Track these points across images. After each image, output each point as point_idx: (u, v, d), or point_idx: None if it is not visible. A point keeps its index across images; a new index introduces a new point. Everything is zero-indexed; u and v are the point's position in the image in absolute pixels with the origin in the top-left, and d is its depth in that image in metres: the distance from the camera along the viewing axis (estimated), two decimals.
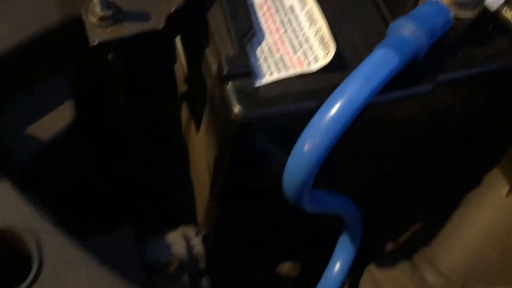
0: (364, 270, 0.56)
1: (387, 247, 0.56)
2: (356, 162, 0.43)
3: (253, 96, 0.33)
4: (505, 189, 0.48)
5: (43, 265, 0.29)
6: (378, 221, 0.54)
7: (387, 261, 0.54)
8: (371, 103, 0.34)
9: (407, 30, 0.33)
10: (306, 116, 0.34)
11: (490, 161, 0.50)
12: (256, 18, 0.36)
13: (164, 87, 0.46)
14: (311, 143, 0.34)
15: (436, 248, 0.51)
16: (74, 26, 0.37)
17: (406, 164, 0.47)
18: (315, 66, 0.35)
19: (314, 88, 0.34)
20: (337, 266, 0.52)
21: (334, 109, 0.33)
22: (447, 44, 0.37)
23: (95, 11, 0.36)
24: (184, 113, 0.49)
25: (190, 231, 0.44)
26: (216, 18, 0.35)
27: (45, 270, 0.29)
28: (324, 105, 0.33)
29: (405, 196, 0.53)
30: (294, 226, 0.53)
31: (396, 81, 0.35)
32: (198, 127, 0.46)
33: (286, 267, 0.64)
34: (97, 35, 0.36)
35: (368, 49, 0.35)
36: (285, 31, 0.36)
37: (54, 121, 0.38)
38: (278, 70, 0.35)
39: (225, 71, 0.33)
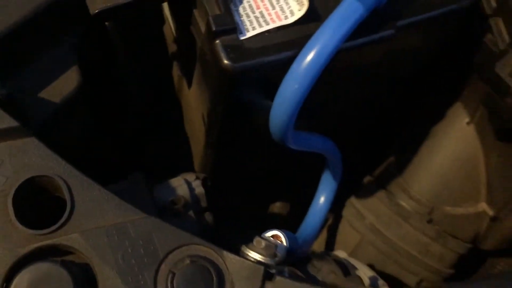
0: (346, 202, 0.63)
1: (365, 180, 0.62)
2: (333, 105, 0.48)
3: (239, 49, 0.38)
4: (466, 119, 0.55)
5: (74, 204, 0.34)
6: (356, 157, 0.60)
7: (366, 192, 0.60)
8: (341, 49, 0.39)
9: None
10: (287, 63, 0.39)
11: (452, 96, 0.56)
12: None
13: (156, 48, 0.50)
14: (291, 86, 0.39)
15: (408, 177, 0.58)
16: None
17: (378, 105, 0.53)
18: (292, 19, 0.39)
19: (292, 38, 0.39)
20: (321, 199, 0.58)
21: (309, 56, 0.38)
22: None
23: None
24: (175, 72, 0.53)
25: (191, 175, 0.49)
26: None
27: (77, 208, 0.34)
28: (301, 52, 0.39)
29: (378, 133, 0.59)
30: (282, 167, 0.59)
31: (362, 28, 0.40)
32: (189, 83, 0.51)
33: (277, 206, 0.71)
34: (95, 4, 0.40)
35: (337, 1, 0.40)
36: None
37: (63, 86, 0.42)
38: (260, 24, 0.40)
39: (213, 28, 0.38)
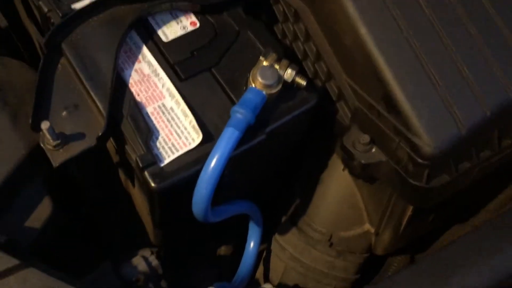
0: (272, 239, 0.81)
1: (283, 220, 0.81)
2: (240, 183, 0.66)
3: (161, 174, 0.56)
4: (341, 166, 0.74)
5: None
6: (271, 206, 0.78)
7: (284, 229, 0.79)
8: (233, 156, 0.57)
9: (239, 114, 0.56)
10: (196, 175, 0.56)
11: (330, 150, 0.75)
12: (151, 121, 0.58)
13: (104, 163, 0.67)
14: (202, 189, 0.56)
15: (310, 214, 0.77)
16: (38, 151, 0.58)
17: (274, 173, 0.71)
18: (194, 144, 0.57)
19: (196, 157, 0.57)
20: (251, 244, 0.76)
21: (210, 167, 0.56)
22: (270, 106, 0.60)
23: (49, 141, 0.57)
24: (122, 174, 0.70)
25: (147, 251, 0.66)
26: (127, 129, 0.57)
27: None
28: (204, 166, 0.56)
29: (283, 186, 0.77)
30: (218, 228, 0.76)
31: (243, 139, 0.58)
32: (133, 183, 0.67)
33: (222, 250, 0.89)
34: (55, 157, 0.56)
35: (223, 122, 0.58)
36: (171, 125, 0.58)
37: (41, 214, 0.58)
38: (172, 152, 0.57)
39: (140, 165, 0.55)
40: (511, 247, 0.45)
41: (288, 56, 0.64)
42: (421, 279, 0.44)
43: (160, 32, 0.63)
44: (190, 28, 0.64)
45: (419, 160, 0.57)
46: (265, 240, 0.81)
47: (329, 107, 0.67)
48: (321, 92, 0.66)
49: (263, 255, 0.84)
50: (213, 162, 0.55)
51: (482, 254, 0.46)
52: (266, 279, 0.83)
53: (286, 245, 0.78)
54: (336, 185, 0.75)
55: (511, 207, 0.51)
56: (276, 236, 0.80)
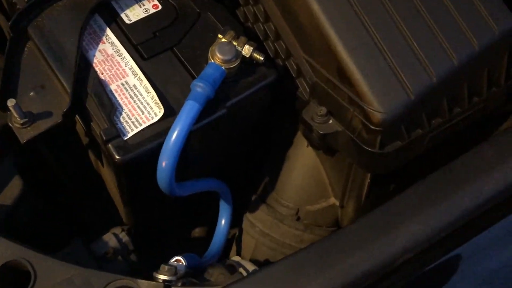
0: (243, 217, 0.83)
1: (252, 198, 0.83)
2: (207, 160, 0.69)
3: (124, 147, 0.58)
4: (305, 143, 0.77)
5: (36, 274, 0.53)
6: (242, 185, 0.80)
7: (253, 207, 0.81)
8: (195, 129, 0.60)
9: (199, 88, 0.59)
10: (159, 148, 0.59)
11: (294, 128, 0.77)
12: (115, 97, 0.60)
13: (75, 145, 0.69)
14: (164, 159, 0.59)
15: (278, 190, 0.79)
16: (7, 130, 0.60)
17: (240, 150, 0.74)
18: (156, 118, 0.60)
19: (158, 131, 0.60)
20: (222, 221, 0.78)
21: (172, 138, 0.58)
22: (228, 81, 0.63)
23: (16, 119, 0.59)
24: (92, 156, 0.72)
25: (118, 229, 0.68)
26: (92, 106, 0.59)
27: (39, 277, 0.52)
28: (166, 138, 0.59)
29: (251, 164, 0.80)
30: (188, 207, 0.79)
31: (204, 113, 0.60)
32: (102, 163, 0.70)
33: (196, 231, 0.91)
34: (23, 134, 0.58)
35: (185, 98, 0.60)
36: (134, 101, 0.61)
37: (12, 191, 0.60)
38: (135, 126, 0.60)
39: (104, 138, 0.57)
40: (456, 195, 0.48)
41: (250, 37, 0.67)
42: (366, 233, 0.47)
43: (123, 15, 0.66)
44: (152, 10, 0.67)
45: (372, 127, 0.60)
46: (239, 221, 0.83)
47: (290, 84, 0.70)
48: (282, 70, 0.69)
49: (236, 235, 0.86)
50: (175, 134, 0.58)
51: (427, 203, 0.48)
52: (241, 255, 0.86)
53: (255, 221, 0.80)
54: (301, 161, 0.78)
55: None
56: (247, 214, 0.82)
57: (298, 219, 0.78)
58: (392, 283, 0.47)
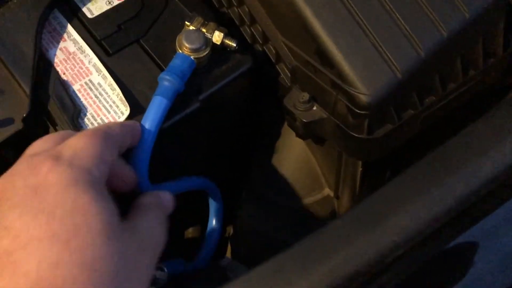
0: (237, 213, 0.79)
1: (243, 194, 0.79)
2: (187, 158, 0.64)
3: None
4: (294, 133, 0.72)
5: None
6: (232, 183, 0.76)
7: (245, 202, 0.77)
8: (167, 126, 0.55)
9: (166, 81, 0.54)
10: (129, 149, 0.55)
11: (282, 117, 0.73)
12: (78, 98, 0.56)
13: None
14: (134, 163, 0.54)
15: (269, 184, 0.75)
16: None
17: (223, 145, 0.69)
18: (123, 117, 0.55)
19: None
20: (213, 222, 0.74)
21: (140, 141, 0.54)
22: (199, 72, 0.58)
23: None
24: None
25: None
26: (54, 109, 0.55)
27: None
28: None
29: (237, 160, 0.76)
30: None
31: (175, 108, 0.56)
32: None
33: (190, 232, 0.87)
34: None
35: (150, 96, 0.56)
36: (99, 100, 0.56)
37: None
38: None
39: None
40: (449, 180, 0.43)
41: (225, 23, 0.62)
42: (350, 229, 0.43)
43: (85, 9, 0.61)
44: (116, 2, 0.62)
45: (357, 111, 0.55)
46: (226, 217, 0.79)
47: (271, 70, 0.65)
48: (261, 56, 0.64)
49: (230, 233, 0.82)
50: (144, 133, 0.54)
51: (416, 192, 0.43)
52: (236, 256, 0.82)
53: (247, 217, 0.76)
54: (291, 152, 0.73)
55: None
56: (238, 210, 0.78)
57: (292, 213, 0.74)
58: (385, 282, 0.43)
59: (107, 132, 0.47)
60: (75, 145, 0.45)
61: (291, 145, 0.73)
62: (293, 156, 0.73)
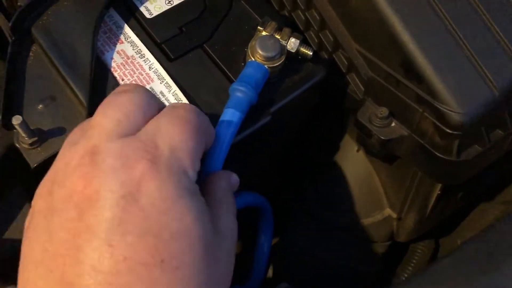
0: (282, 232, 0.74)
1: (294, 211, 0.74)
2: (244, 173, 0.59)
3: None
4: (355, 147, 0.67)
5: None
6: (281, 197, 0.71)
7: (297, 220, 0.72)
8: (236, 141, 0.50)
9: (239, 93, 0.49)
10: None
11: (341, 130, 0.68)
12: None
13: None
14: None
15: (326, 201, 0.70)
16: (13, 152, 0.50)
17: (280, 160, 0.64)
18: None
19: None
20: (264, 245, 0.67)
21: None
22: (273, 82, 0.53)
23: (24, 139, 0.50)
24: None
25: None
26: None
27: None
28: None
29: (292, 174, 0.70)
30: None
31: (246, 122, 0.51)
32: None
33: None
34: (32, 157, 0.49)
35: (221, 104, 0.50)
36: None
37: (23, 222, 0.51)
38: None
39: None
40: None
41: (289, 26, 0.57)
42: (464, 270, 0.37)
43: (142, 9, 0.56)
44: (176, 1, 0.57)
45: (448, 130, 0.50)
46: (276, 234, 0.74)
47: (338, 80, 0.60)
48: (329, 64, 0.59)
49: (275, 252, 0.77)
50: (214, 150, 0.48)
51: None
52: (278, 278, 0.76)
53: (299, 237, 0.71)
54: (351, 168, 0.68)
55: None
56: (287, 228, 0.73)
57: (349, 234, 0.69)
58: None
59: (199, 123, 0.43)
60: (170, 139, 0.39)
61: (351, 161, 0.67)
62: (353, 173, 0.68)
